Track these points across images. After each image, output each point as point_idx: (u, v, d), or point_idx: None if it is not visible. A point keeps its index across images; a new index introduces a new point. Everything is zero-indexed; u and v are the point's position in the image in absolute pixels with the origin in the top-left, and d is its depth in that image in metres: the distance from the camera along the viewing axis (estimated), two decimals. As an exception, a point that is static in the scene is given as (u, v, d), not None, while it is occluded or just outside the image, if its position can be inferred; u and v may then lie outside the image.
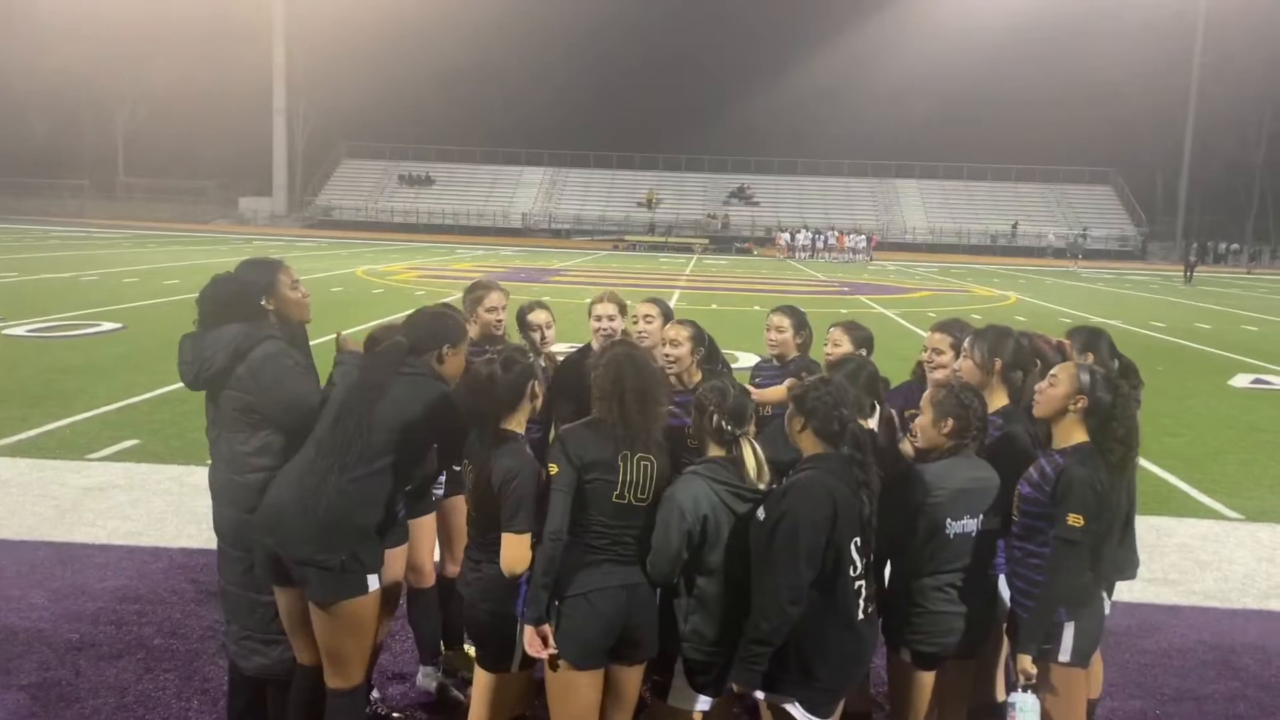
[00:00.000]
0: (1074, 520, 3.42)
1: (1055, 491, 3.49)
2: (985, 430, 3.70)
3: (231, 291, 3.88)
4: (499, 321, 4.91)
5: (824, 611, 3.24)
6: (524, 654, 3.46)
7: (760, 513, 3.29)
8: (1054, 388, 3.60)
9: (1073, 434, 3.58)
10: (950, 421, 3.61)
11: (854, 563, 3.27)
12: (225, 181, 71.47)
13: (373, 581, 3.57)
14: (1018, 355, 4.11)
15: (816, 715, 3.25)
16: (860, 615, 3.31)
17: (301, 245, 45.76)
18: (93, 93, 68.31)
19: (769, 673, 3.24)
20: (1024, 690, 3.54)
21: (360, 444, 3.47)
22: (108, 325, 16.26)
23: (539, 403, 3.59)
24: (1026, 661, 3.51)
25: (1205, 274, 47.25)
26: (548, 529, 3.28)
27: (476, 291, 4.98)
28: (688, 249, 56.10)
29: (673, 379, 4.43)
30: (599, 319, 5.01)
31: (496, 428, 3.46)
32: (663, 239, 58.82)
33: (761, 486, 3.41)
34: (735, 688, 3.32)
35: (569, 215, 67.32)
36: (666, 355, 4.39)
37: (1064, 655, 3.54)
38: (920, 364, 4.68)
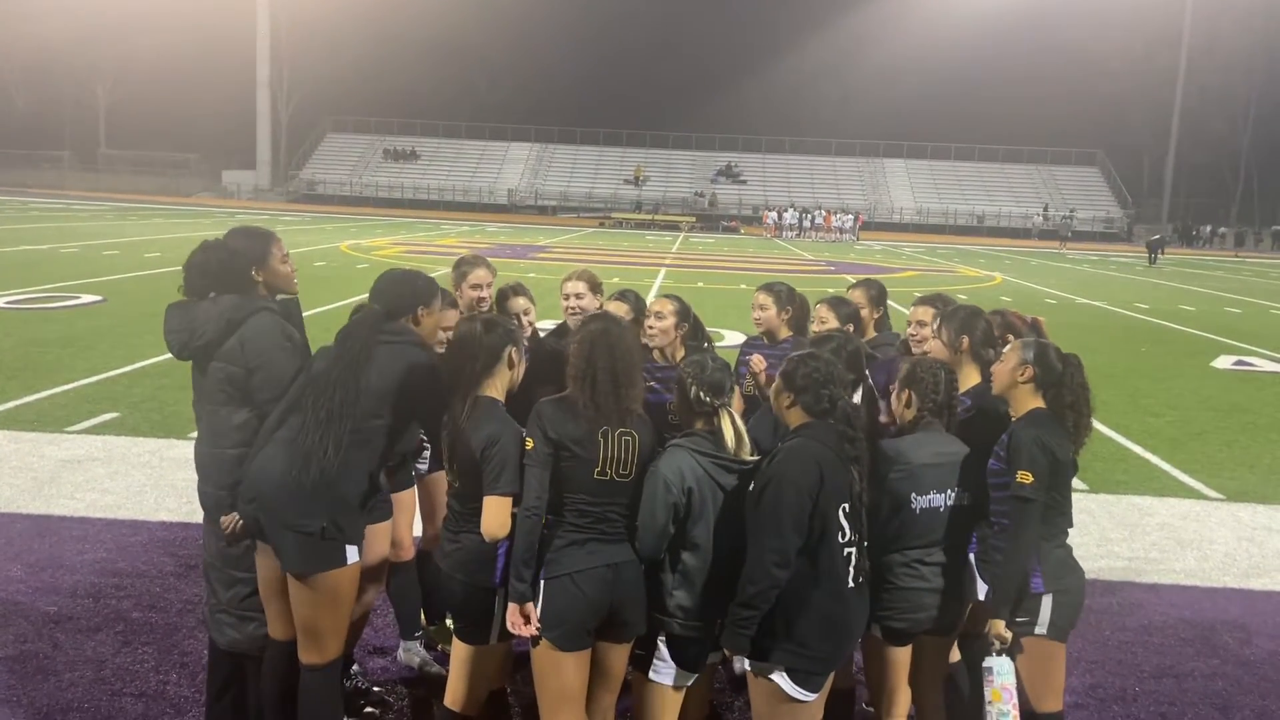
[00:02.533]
0: (1022, 477, 3.49)
1: (1008, 455, 3.56)
2: (950, 404, 3.70)
3: (220, 260, 3.77)
4: (482, 299, 4.83)
5: (811, 579, 3.21)
6: (502, 626, 3.43)
7: (752, 485, 3.27)
8: (1002, 364, 3.73)
9: (1028, 405, 3.67)
10: (907, 393, 3.67)
11: (842, 529, 3.25)
12: (208, 154, 70.67)
13: (352, 554, 3.51)
14: (988, 334, 4.13)
15: (804, 687, 3.21)
16: (850, 584, 3.28)
17: (285, 219, 45.39)
18: (74, 63, 67.25)
19: (756, 642, 3.22)
20: (998, 654, 3.59)
21: (350, 414, 3.41)
22: (87, 298, 16.09)
23: (518, 373, 3.54)
24: (1000, 626, 3.55)
25: (1192, 257, 47.33)
26: (525, 504, 3.23)
27: (462, 267, 4.89)
28: (674, 227, 55.94)
29: (655, 354, 4.39)
30: (568, 297, 4.94)
31: (476, 391, 3.41)
32: (649, 217, 58.62)
33: (745, 456, 3.38)
34: (726, 652, 3.29)
35: (555, 192, 66.93)
36: (650, 327, 4.37)
37: (1041, 628, 3.56)
38: (905, 340, 4.67)
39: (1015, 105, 72.44)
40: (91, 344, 11.97)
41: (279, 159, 70.76)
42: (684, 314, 4.46)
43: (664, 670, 3.43)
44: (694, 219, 58.84)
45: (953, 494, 3.64)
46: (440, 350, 3.82)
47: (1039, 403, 3.67)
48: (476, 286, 4.79)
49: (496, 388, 3.45)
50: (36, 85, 68.96)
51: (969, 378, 4.04)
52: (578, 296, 4.89)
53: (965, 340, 4.09)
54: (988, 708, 3.62)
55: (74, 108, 72.22)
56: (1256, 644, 5.41)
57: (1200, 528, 7.29)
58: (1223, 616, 5.76)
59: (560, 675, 3.29)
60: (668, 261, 31.45)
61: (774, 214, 56.59)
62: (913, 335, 4.50)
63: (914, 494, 3.54)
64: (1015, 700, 3.61)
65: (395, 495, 4.48)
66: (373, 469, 3.56)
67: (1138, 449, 9.43)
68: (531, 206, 65.07)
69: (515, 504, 3.30)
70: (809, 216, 56.52)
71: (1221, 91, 66.27)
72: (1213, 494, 8.16)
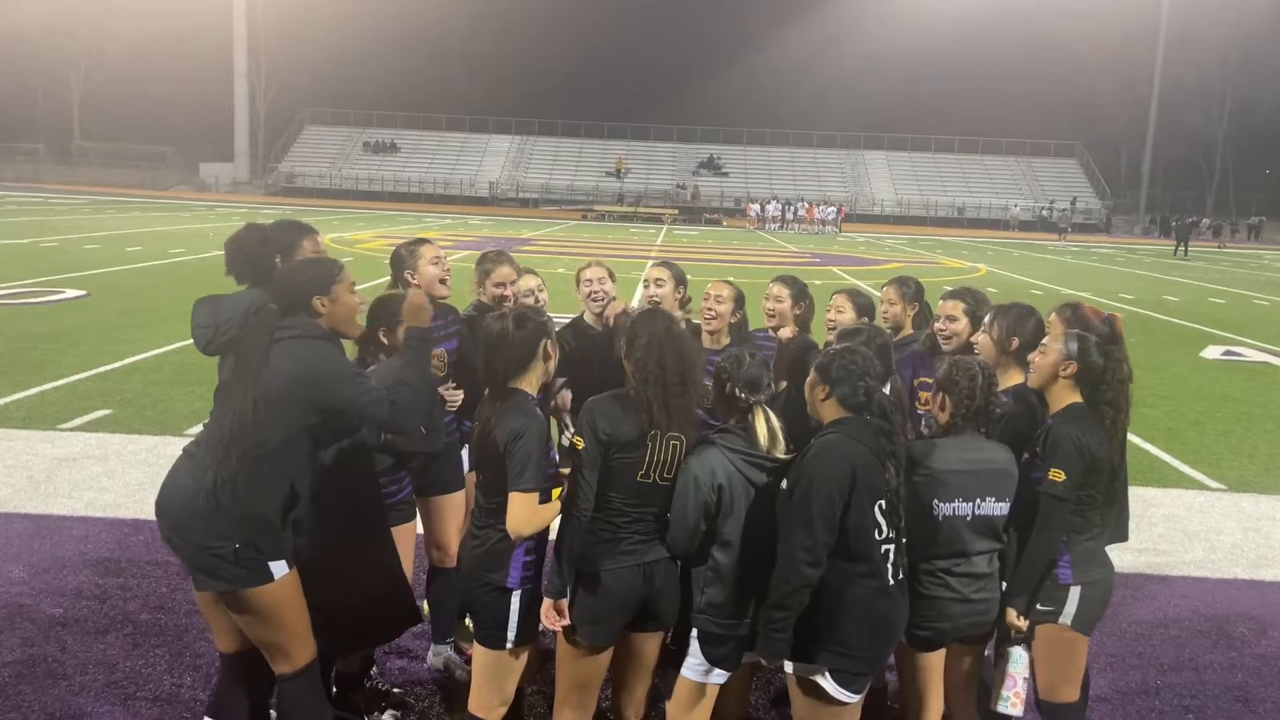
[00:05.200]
0: (1054, 475, 3.45)
1: (1044, 450, 3.51)
2: (988, 409, 3.55)
3: (255, 241, 3.78)
4: (505, 297, 4.75)
5: (851, 578, 3.16)
6: (520, 631, 3.34)
7: (784, 482, 3.22)
8: (1044, 357, 3.65)
9: (1065, 399, 3.61)
10: (941, 396, 3.57)
11: (879, 526, 3.18)
12: (185, 147, 69.74)
13: (278, 568, 3.30)
14: (1037, 336, 4.02)
15: (848, 689, 3.16)
16: (891, 581, 3.22)
17: (265, 213, 44.89)
18: (46, 53, 66.21)
19: (799, 643, 3.16)
20: (1014, 643, 3.59)
21: (249, 430, 3.19)
22: (71, 292, 15.84)
23: (553, 364, 3.47)
24: (1013, 615, 3.52)
25: (1165, 246, 47.58)
26: (577, 507, 3.22)
27: (485, 265, 4.87)
28: (657, 219, 55.81)
29: (706, 338, 4.47)
30: (589, 282, 4.93)
31: (504, 385, 3.34)
32: (632, 209, 58.49)
33: (778, 454, 3.33)
34: (763, 660, 3.22)
35: (537, 184, 66.57)
36: (709, 309, 4.51)
37: (1066, 619, 3.53)
38: (931, 333, 4.61)
39: (994, 97, 72.86)
40: (79, 339, 11.76)
41: (257, 151, 69.96)
42: (740, 301, 4.59)
43: (696, 667, 3.39)
44: (676, 211, 58.72)
45: (984, 503, 3.46)
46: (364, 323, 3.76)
47: (1077, 397, 3.61)
48: (500, 285, 4.77)
49: (530, 382, 3.39)
50: (8, 76, 67.74)
51: (1012, 377, 3.94)
52: (600, 281, 4.87)
53: (1015, 341, 3.98)
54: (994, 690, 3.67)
55: (47, 99, 71.19)
56: (1271, 636, 5.42)
57: (1205, 519, 7.31)
58: (1235, 608, 5.77)
59: (581, 663, 3.31)
60: (654, 254, 31.35)
61: (757, 206, 56.58)
62: (941, 330, 4.42)
63: (936, 500, 3.40)
64: (1018, 689, 3.61)
65: (443, 498, 4.49)
66: (295, 478, 3.33)
67: (1135, 439, 9.43)
68: (513, 199, 64.71)
69: (541, 500, 3.23)
70: (791, 208, 56.55)
71: (1198, 84, 66.76)
72: (1214, 484, 8.19)
